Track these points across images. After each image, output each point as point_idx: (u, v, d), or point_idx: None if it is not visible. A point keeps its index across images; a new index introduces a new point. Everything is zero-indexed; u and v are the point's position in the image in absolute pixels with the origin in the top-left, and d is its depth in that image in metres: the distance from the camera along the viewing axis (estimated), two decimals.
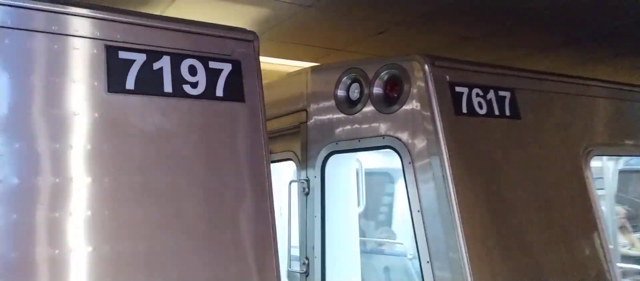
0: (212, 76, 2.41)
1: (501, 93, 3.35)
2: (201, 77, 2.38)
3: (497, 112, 3.30)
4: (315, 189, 3.54)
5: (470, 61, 3.33)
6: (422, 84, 3.09)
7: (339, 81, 3.46)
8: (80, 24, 2.14)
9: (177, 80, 2.32)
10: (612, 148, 4.10)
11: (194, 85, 2.36)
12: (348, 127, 3.43)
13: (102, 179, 2.07)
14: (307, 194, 3.59)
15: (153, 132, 2.23)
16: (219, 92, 2.41)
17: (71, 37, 2.11)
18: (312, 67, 3.82)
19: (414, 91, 3.12)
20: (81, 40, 2.13)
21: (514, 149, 3.31)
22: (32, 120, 1.99)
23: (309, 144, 3.62)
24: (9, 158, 1.93)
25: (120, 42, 2.22)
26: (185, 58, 2.36)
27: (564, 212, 3.32)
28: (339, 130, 3.46)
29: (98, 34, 2.18)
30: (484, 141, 3.23)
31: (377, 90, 3.29)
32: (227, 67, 2.45)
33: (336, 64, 3.62)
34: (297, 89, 3.75)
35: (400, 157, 3.15)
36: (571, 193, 3.40)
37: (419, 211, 3.03)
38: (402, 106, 3.17)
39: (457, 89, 3.16)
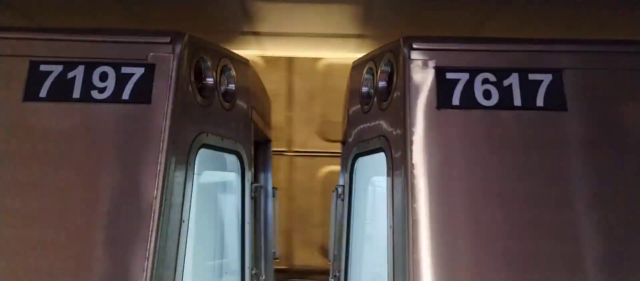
0: (122, 80, 2.46)
1: (534, 76, 2.37)
2: (110, 82, 2.46)
3: (519, 102, 2.35)
4: (346, 195, 3.16)
5: (478, 38, 2.47)
6: (402, 73, 2.48)
7: (360, 76, 3.05)
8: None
9: (87, 86, 2.46)
10: None
11: (102, 90, 2.45)
12: (367, 125, 2.95)
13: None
14: (342, 199, 3.23)
15: (63, 135, 2.41)
16: (125, 96, 2.44)
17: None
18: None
19: (399, 81, 2.53)
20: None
21: (545, 155, 2.27)
22: None
23: (346, 147, 3.28)
24: None
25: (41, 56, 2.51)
26: (98, 65, 2.49)
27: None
28: (360, 129, 3.02)
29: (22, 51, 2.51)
30: (488, 142, 2.33)
31: (381, 83, 2.78)
32: (139, 72, 2.47)
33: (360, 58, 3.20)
34: None
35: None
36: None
37: (390, 227, 2.40)
38: (390, 102, 2.60)
39: (449, 75, 2.40)
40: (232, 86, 2.95)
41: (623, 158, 2.28)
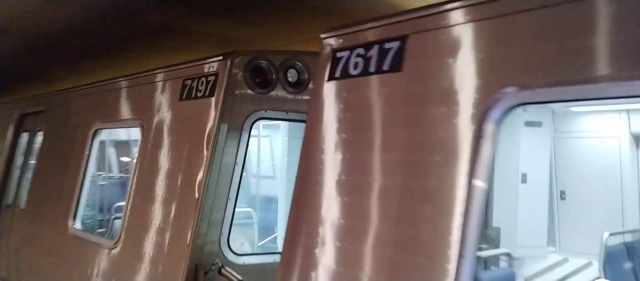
0: (208, 83, 3.78)
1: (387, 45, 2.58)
2: (203, 86, 3.79)
3: (373, 69, 2.59)
4: None
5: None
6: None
7: None
8: None
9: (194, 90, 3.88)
10: None
11: (200, 91, 3.80)
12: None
13: None
14: None
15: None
16: (207, 93, 3.78)
17: None
18: None
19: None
20: None
21: (383, 108, 2.58)
22: None
23: None
24: None
25: None
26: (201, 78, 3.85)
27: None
28: None
29: None
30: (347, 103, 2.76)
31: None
32: (212, 78, 3.77)
33: None
34: None
35: None
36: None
37: None
38: None
39: (338, 54, 2.78)
40: (295, 78, 3.72)
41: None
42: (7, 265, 6.11)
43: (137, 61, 6.93)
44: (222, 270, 3.26)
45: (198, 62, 3.85)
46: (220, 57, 3.64)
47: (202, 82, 3.71)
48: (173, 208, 3.61)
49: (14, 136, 7.09)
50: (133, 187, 4.03)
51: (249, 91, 3.60)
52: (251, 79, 3.59)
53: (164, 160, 3.83)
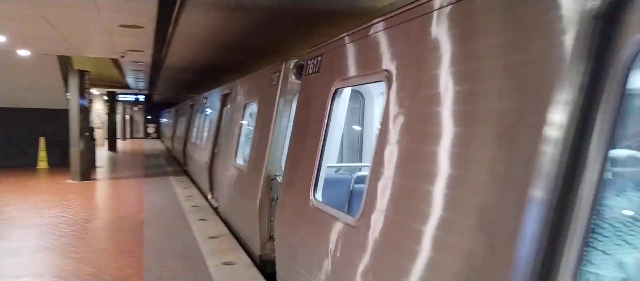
0: (278, 80, 5.87)
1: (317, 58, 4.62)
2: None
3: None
4: None
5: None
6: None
7: None
8: None
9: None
10: None
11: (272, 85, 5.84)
12: None
13: None
14: None
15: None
16: (278, 86, 5.74)
17: None
18: None
19: None
20: None
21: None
22: None
23: None
24: None
25: None
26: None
27: None
28: None
29: None
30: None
31: None
32: (279, 78, 5.65)
33: None
34: None
35: None
36: None
37: None
38: None
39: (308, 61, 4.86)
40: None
41: None
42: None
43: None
44: (277, 178, 5.93)
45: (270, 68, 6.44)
46: (282, 64, 6.03)
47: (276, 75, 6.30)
48: (256, 146, 6.49)
49: (220, 109, 10.54)
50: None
51: (295, 79, 5.96)
52: (297, 72, 5.85)
53: (259, 122, 6.68)
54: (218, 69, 16.20)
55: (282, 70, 6.01)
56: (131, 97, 30.03)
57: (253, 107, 7.41)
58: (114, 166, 19.14)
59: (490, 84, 2.15)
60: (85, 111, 13.79)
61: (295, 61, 5.96)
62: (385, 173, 2.87)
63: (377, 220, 2.86)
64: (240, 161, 7.67)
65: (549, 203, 1.75)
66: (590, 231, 1.69)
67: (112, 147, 26.54)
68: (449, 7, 2.51)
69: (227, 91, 9.79)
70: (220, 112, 10.21)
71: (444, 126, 2.41)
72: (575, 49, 1.74)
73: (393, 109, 2.91)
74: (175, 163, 19.75)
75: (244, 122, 7.89)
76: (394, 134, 2.86)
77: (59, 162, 16.61)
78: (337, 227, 3.35)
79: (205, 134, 12.00)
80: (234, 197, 7.76)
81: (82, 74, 13.62)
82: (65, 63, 15.71)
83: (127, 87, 25.62)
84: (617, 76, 1.62)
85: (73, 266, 5.88)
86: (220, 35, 10.00)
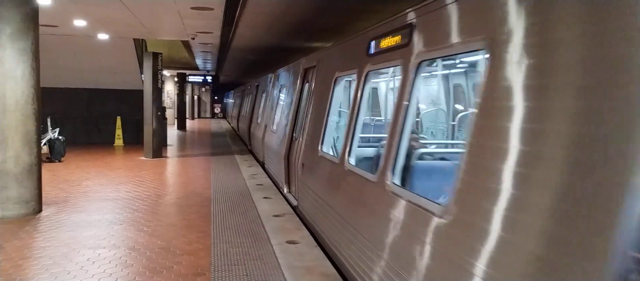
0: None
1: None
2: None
3: None
4: None
5: None
6: None
7: None
8: None
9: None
10: None
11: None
12: None
13: None
14: None
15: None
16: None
17: None
18: None
19: None
20: None
21: None
22: None
23: None
24: None
25: None
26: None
27: None
28: None
29: None
30: None
31: None
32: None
33: None
34: None
35: None
36: None
37: None
38: None
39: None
40: None
41: None
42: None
43: None
44: None
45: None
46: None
47: None
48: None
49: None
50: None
51: None
52: None
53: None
54: (283, 50, 16.36)
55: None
56: (199, 79, 31.02)
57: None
58: (183, 144, 19.92)
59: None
60: (157, 92, 14.40)
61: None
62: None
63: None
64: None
65: None
66: None
67: (181, 126, 27.63)
68: None
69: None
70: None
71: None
72: None
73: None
74: (240, 142, 20.27)
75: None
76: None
77: (134, 140, 17.54)
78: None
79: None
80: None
81: (155, 56, 14.19)
82: (140, 46, 16.44)
83: (196, 68, 26.49)
84: None
85: (146, 240, 6.18)
86: (286, 15, 10.05)
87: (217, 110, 50.56)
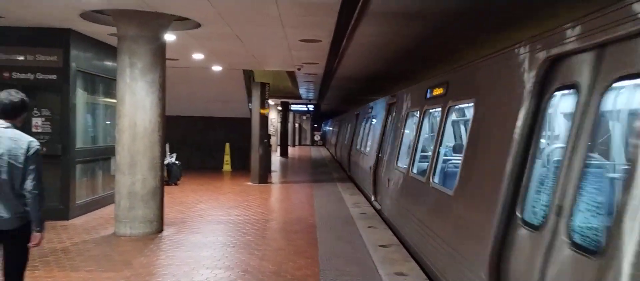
0: None
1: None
2: None
3: None
4: None
5: None
6: None
7: None
8: None
9: None
10: None
11: None
12: None
13: None
14: None
15: None
16: None
17: None
18: None
19: None
20: None
21: None
22: None
23: None
24: None
25: None
26: None
27: None
28: None
29: None
30: None
31: None
32: None
33: None
34: None
35: None
36: None
37: None
38: None
39: None
40: None
41: None
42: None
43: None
44: None
45: None
46: None
47: None
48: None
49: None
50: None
51: None
52: None
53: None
54: (385, 76, 16.42)
55: None
56: (302, 107, 31.96)
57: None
58: (286, 170, 20.53)
59: None
60: (264, 120, 15.04)
61: None
62: None
63: None
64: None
65: None
66: None
67: (283, 153, 28.54)
68: None
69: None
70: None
71: None
72: None
73: None
74: (340, 170, 20.46)
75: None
76: None
77: (240, 165, 18.40)
78: None
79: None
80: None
81: (263, 86, 14.89)
82: (248, 76, 17.37)
83: (298, 97, 27.36)
84: None
85: (257, 263, 6.40)
86: (392, 43, 10.11)
87: (317, 137, 51.68)
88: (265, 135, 15.19)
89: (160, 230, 8.07)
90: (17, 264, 3.71)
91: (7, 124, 3.66)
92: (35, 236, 3.65)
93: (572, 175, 2.98)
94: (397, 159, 8.67)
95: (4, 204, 3.56)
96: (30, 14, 7.74)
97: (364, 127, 14.87)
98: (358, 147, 15.43)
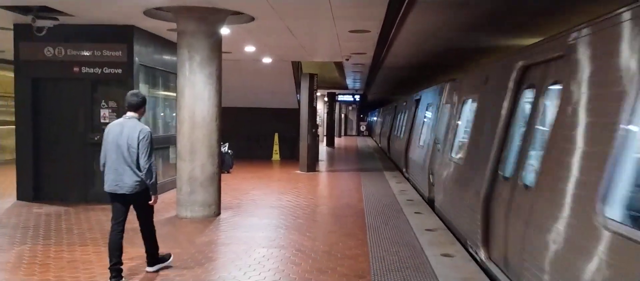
0: None
1: None
2: None
3: None
4: None
5: None
6: None
7: None
8: None
9: None
10: None
11: None
12: None
13: None
14: None
15: None
16: None
17: None
18: None
19: None
20: None
21: None
22: None
23: None
24: None
25: None
26: None
27: None
28: None
29: None
30: None
31: None
32: None
33: None
34: None
35: None
36: None
37: None
38: None
39: None
40: None
41: None
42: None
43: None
44: None
45: None
46: None
47: None
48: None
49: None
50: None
51: None
52: None
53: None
54: (432, 66, 16.44)
55: None
56: (349, 97, 32.20)
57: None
58: (332, 160, 20.89)
59: None
60: (313, 110, 15.43)
61: None
62: None
63: None
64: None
65: None
66: None
67: (330, 143, 28.93)
68: None
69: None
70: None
71: None
72: None
73: None
74: (387, 159, 20.63)
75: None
76: None
77: (288, 155, 18.93)
78: None
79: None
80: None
81: (312, 77, 15.27)
82: (296, 67, 17.79)
83: (345, 88, 27.63)
84: None
85: (310, 243, 6.78)
86: (441, 32, 10.22)
87: (363, 128, 51.79)
88: (313, 125, 15.58)
89: (218, 213, 8.59)
90: (144, 217, 5.33)
91: (132, 115, 5.10)
92: (153, 198, 5.16)
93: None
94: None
95: (127, 176, 4.95)
96: (100, 13, 8.39)
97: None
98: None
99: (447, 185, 8.10)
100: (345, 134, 48.17)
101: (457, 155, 7.92)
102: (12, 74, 10.29)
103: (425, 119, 12.11)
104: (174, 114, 11.98)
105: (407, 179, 13.58)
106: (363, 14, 8.10)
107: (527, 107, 5.13)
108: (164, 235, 7.15)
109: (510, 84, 5.37)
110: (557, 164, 3.90)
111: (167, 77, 11.36)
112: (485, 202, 5.43)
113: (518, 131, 5.28)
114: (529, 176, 4.61)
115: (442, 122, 9.60)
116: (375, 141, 33.66)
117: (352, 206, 9.68)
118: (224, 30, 8.94)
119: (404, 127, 15.59)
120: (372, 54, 12.83)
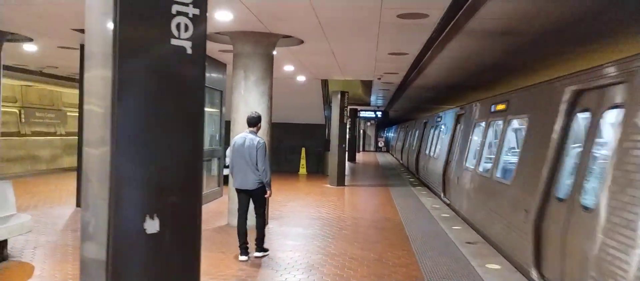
0: None
1: None
2: None
3: None
4: None
5: None
6: None
7: None
8: None
9: None
10: None
11: None
12: None
13: None
14: None
15: None
16: None
17: None
18: None
19: None
20: None
21: None
22: None
23: None
24: None
25: None
26: None
27: None
28: None
29: None
30: None
31: None
32: None
33: None
34: None
35: None
36: None
37: None
38: None
39: None
40: None
41: None
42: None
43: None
44: None
45: None
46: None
47: None
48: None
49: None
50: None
51: None
52: None
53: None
54: (460, 87, 16.87)
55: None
56: (370, 114, 32.70)
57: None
58: (356, 174, 21.39)
59: None
60: (342, 126, 16.01)
61: None
62: None
63: None
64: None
65: None
66: None
67: (351, 158, 29.42)
68: None
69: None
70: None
71: None
72: None
73: None
74: (410, 174, 21.07)
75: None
76: None
77: (314, 169, 19.49)
78: None
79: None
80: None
81: (343, 94, 15.87)
82: (324, 84, 18.41)
83: (367, 104, 28.16)
84: None
85: (359, 252, 7.28)
86: (475, 57, 10.69)
87: (381, 143, 52.28)
88: (343, 140, 16.14)
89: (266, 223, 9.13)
90: (260, 207, 6.89)
91: (251, 130, 6.75)
92: (268, 192, 6.76)
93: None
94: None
95: (250, 176, 6.61)
96: None
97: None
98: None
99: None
100: (364, 150, 48.65)
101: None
102: (59, 89, 11.00)
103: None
104: (213, 129, 12.63)
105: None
106: (406, 38, 8.66)
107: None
108: (221, 241, 7.72)
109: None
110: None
111: (211, 94, 12.00)
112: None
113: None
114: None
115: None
116: (396, 158, 34.11)
117: (390, 219, 10.17)
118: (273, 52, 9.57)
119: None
120: (404, 74, 13.37)
